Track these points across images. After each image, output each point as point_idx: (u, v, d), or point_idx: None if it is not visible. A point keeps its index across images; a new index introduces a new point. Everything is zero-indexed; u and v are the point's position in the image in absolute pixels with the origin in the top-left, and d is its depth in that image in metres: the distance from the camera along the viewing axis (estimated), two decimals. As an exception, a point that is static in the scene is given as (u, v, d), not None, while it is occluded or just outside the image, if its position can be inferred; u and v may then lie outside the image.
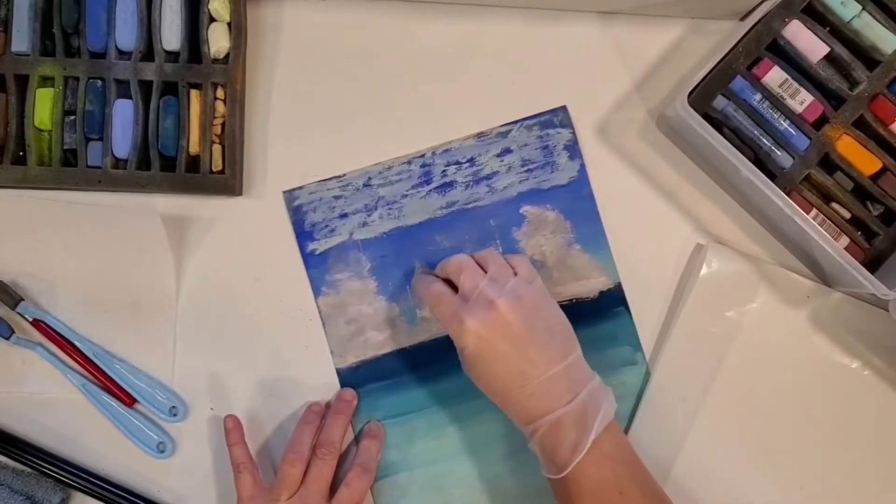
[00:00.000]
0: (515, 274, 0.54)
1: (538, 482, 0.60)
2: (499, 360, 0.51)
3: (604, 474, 0.50)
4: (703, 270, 0.60)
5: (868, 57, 0.57)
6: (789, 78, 0.57)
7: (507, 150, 0.62)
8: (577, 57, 0.62)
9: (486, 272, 0.54)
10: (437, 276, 0.57)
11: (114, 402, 0.60)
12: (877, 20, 0.57)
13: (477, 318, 0.51)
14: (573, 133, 0.61)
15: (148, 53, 0.60)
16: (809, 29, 0.57)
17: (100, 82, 0.60)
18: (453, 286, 0.55)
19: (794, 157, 0.57)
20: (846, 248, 0.56)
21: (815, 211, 0.57)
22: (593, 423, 0.50)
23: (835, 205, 0.58)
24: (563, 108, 0.61)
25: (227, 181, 0.60)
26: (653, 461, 0.58)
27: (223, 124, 0.60)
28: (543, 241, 0.61)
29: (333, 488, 0.57)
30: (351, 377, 0.61)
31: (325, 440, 0.57)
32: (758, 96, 0.57)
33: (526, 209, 0.61)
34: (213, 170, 0.60)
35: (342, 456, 0.60)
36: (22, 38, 0.60)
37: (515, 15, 0.62)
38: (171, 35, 0.60)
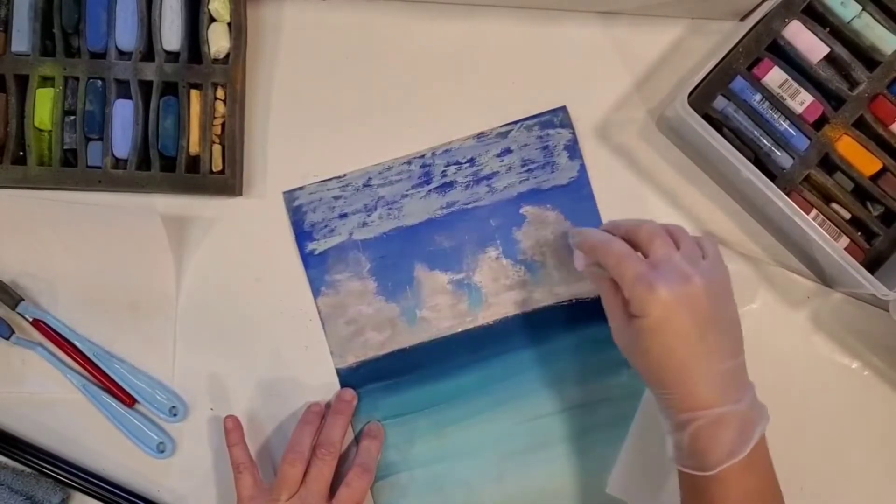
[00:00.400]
0: (703, 257, 0.51)
1: (538, 482, 0.60)
2: (679, 337, 0.47)
3: (751, 485, 0.48)
4: (703, 271, 0.59)
5: (868, 57, 0.57)
6: (789, 78, 0.57)
7: (508, 151, 0.62)
8: (577, 57, 0.62)
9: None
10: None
11: (114, 402, 0.60)
12: (877, 21, 0.57)
13: (670, 287, 0.47)
14: (573, 133, 0.61)
15: (148, 53, 0.60)
16: (809, 29, 0.57)
17: (100, 82, 0.60)
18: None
19: (794, 158, 0.57)
20: (846, 249, 0.56)
21: (815, 211, 0.57)
22: (754, 429, 0.47)
23: (835, 205, 0.58)
24: (564, 109, 0.61)
25: (227, 181, 0.60)
26: (653, 462, 0.58)
27: (223, 124, 0.60)
28: (544, 241, 0.61)
29: (333, 488, 0.57)
30: (351, 377, 0.61)
31: (325, 440, 0.57)
32: (758, 97, 0.57)
33: (526, 209, 0.61)
34: (213, 170, 0.60)
35: (342, 456, 0.60)
36: (22, 38, 0.60)
37: (516, 15, 0.62)
38: (171, 35, 0.60)
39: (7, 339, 0.60)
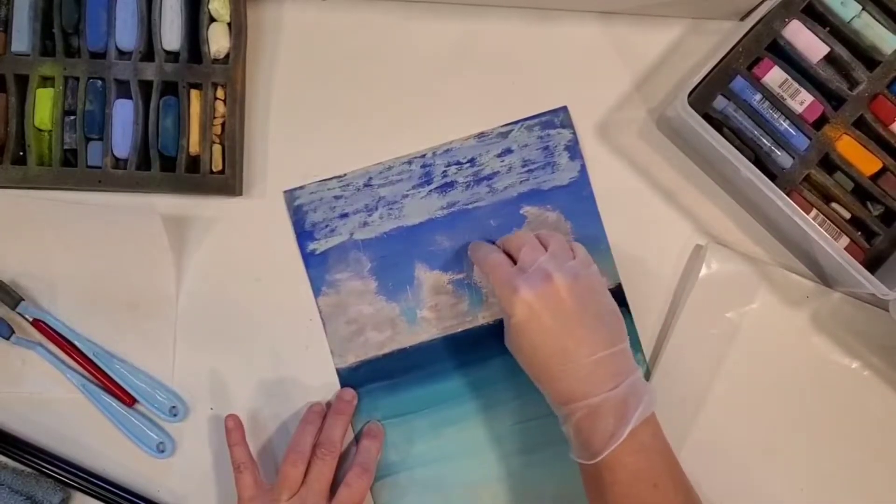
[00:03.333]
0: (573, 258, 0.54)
1: (538, 482, 0.60)
2: (544, 333, 0.50)
3: (639, 465, 0.49)
4: (703, 271, 0.60)
5: (868, 57, 0.57)
6: (789, 78, 0.57)
7: (508, 151, 0.62)
8: (577, 57, 0.62)
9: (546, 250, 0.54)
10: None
11: (114, 402, 0.60)
12: (877, 20, 0.57)
13: (531, 287, 0.51)
14: (574, 133, 0.61)
15: (148, 53, 0.60)
16: (809, 29, 0.57)
17: (100, 82, 0.60)
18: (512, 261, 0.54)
19: (794, 158, 0.57)
20: (846, 248, 0.56)
21: (815, 211, 0.57)
22: (633, 413, 0.49)
23: (835, 205, 0.58)
24: (564, 109, 0.61)
25: (227, 181, 0.60)
26: (653, 461, 0.58)
27: (223, 124, 0.60)
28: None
29: (333, 488, 0.57)
30: (351, 377, 0.61)
31: (326, 440, 0.57)
32: (758, 96, 0.57)
33: (526, 209, 0.61)
34: (213, 170, 0.60)
35: (342, 456, 0.60)
36: (22, 38, 0.60)
37: (516, 15, 0.62)
38: (171, 35, 0.59)
39: (7, 339, 0.60)
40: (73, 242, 0.61)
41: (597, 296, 0.53)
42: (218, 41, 0.59)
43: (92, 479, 0.60)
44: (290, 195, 0.62)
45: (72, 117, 0.60)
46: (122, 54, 0.60)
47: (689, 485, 0.52)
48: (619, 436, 0.48)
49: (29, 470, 0.60)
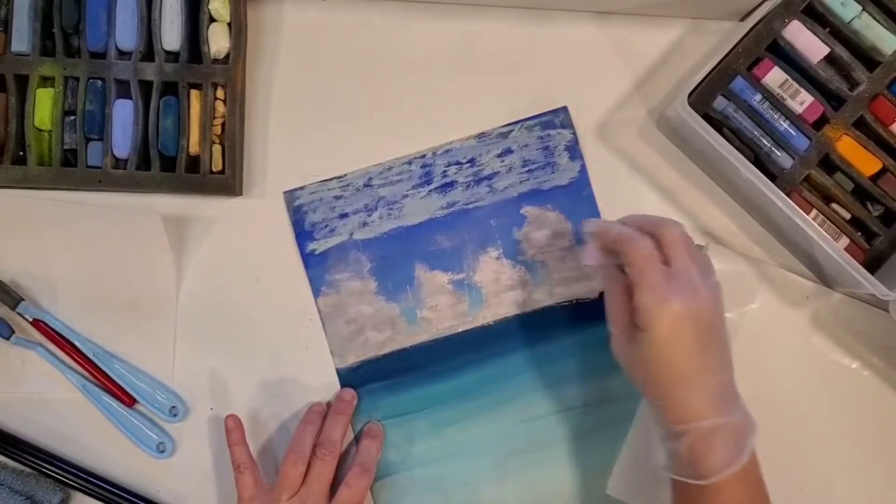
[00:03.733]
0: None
1: (538, 483, 0.60)
2: (683, 350, 0.48)
3: (743, 495, 0.48)
4: (703, 271, 0.59)
5: (868, 57, 0.57)
6: (789, 78, 0.57)
7: (508, 151, 0.62)
8: (577, 57, 0.62)
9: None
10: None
11: (114, 402, 0.60)
12: (877, 21, 0.57)
13: (684, 301, 0.47)
14: (574, 133, 0.61)
15: (148, 53, 0.60)
16: (809, 29, 0.57)
17: (100, 82, 0.60)
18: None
19: (794, 158, 0.57)
20: (846, 249, 0.56)
21: (815, 211, 0.57)
22: (747, 440, 0.48)
23: (835, 205, 0.58)
24: (564, 109, 0.61)
25: (227, 181, 0.60)
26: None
27: (223, 124, 0.60)
28: (544, 241, 0.61)
29: (333, 488, 0.57)
30: (351, 377, 0.61)
31: (326, 440, 0.57)
32: (758, 97, 0.57)
33: (526, 209, 0.61)
34: (213, 170, 0.60)
35: (342, 456, 0.60)
36: (22, 38, 0.60)
37: (516, 15, 0.62)
38: (171, 35, 0.59)
39: (7, 339, 0.60)
40: (73, 242, 0.61)
41: (723, 316, 0.51)
42: (218, 41, 0.59)
43: (92, 479, 0.60)
44: (289, 195, 0.62)
45: (72, 117, 0.60)
46: (122, 54, 0.60)
47: None
48: (736, 462, 0.47)
49: (29, 470, 0.60)
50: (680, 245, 0.50)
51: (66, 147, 0.60)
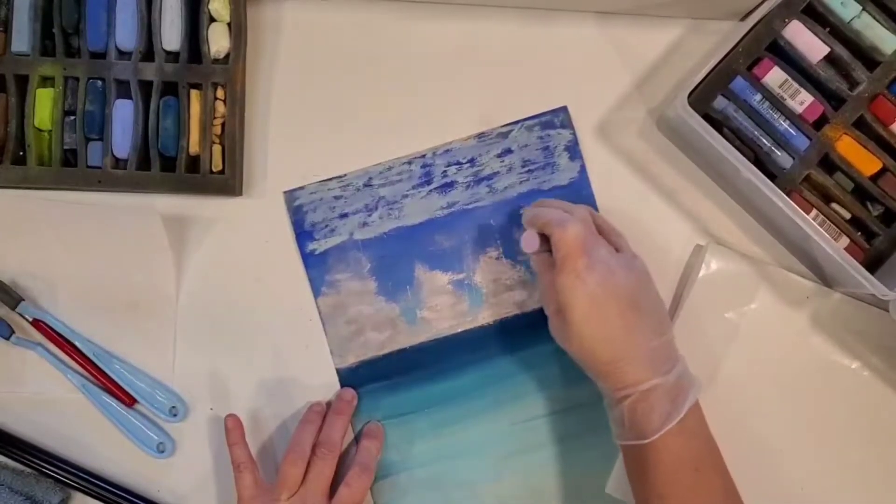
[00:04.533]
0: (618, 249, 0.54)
1: (538, 482, 0.60)
2: (607, 324, 0.51)
3: (683, 449, 0.50)
4: (702, 271, 0.60)
5: (868, 57, 0.57)
6: (789, 78, 0.57)
7: (508, 151, 0.62)
8: (577, 57, 0.62)
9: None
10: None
11: (114, 402, 0.60)
12: (877, 21, 0.57)
13: (597, 280, 0.50)
14: (574, 134, 0.61)
15: (148, 53, 0.60)
16: (809, 29, 0.57)
17: (100, 82, 0.60)
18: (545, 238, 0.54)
19: (794, 158, 0.57)
20: (846, 249, 0.56)
21: (815, 211, 0.57)
22: (685, 396, 0.50)
23: (835, 205, 0.58)
24: (564, 109, 0.61)
25: (227, 181, 0.60)
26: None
27: (223, 124, 0.60)
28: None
29: (333, 488, 0.57)
30: (351, 377, 0.61)
31: (326, 440, 0.57)
32: (758, 96, 0.57)
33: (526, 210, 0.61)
34: (213, 170, 0.60)
35: (342, 456, 0.60)
36: (22, 38, 0.60)
37: (515, 15, 0.62)
38: (171, 35, 0.59)
39: (7, 339, 0.60)
40: (73, 242, 0.61)
41: (648, 285, 0.54)
42: (218, 41, 0.59)
43: (92, 479, 0.60)
44: (289, 195, 0.62)
45: (72, 117, 0.60)
46: (122, 54, 0.60)
47: (728, 472, 0.53)
48: (675, 417, 0.49)
49: (29, 470, 0.60)
50: (583, 227, 0.52)
51: (66, 147, 0.60)
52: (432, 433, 0.61)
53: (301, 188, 0.62)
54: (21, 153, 0.60)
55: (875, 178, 0.57)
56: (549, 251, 0.53)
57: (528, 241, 0.54)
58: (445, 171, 0.62)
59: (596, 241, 0.52)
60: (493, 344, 0.61)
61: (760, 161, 0.57)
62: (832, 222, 0.57)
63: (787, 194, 0.56)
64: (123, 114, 0.60)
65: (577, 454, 0.60)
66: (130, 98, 0.60)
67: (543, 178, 0.61)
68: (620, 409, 0.51)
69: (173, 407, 0.61)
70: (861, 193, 0.58)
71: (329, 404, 0.61)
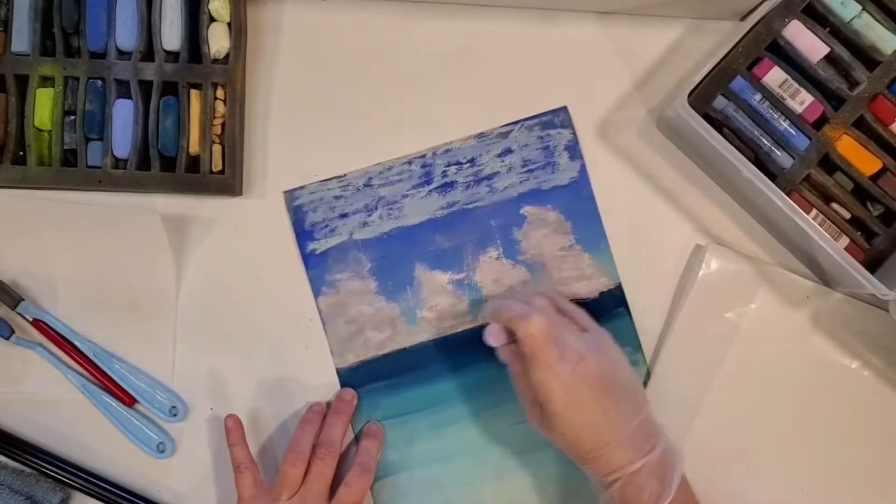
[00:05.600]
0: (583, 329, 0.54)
1: (538, 482, 0.60)
2: (585, 413, 0.50)
3: None
4: (702, 271, 0.60)
5: (868, 57, 0.57)
6: (789, 78, 0.57)
7: (508, 151, 0.62)
8: (577, 57, 0.62)
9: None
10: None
11: (114, 402, 0.60)
12: (877, 20, 0.57)
13: (571, 371, 0.50)
14: (574, 133, 0.61)
15: (148, 53, 0.60)
16: (809, 29, 0.57)
17: (100, 82, 0.60)
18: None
19: (794, 158, 0.57)
20: (846, 249, 0.56)
21: (815, 211, 0.57)
22: (672, 471, 0.50)
23: (835, 205, 0.58)
24: (564, 109, 0.61)
25: (227, 181, 0.60)
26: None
27: (223, 124, 0.60)
28: (544, 241, 0.61)
29: (333, 488, 0.57)
30: (351, 377, 0.61)
31: (325, 440, 0.57)
32: (758, 96, 0.57)
33: (526, 209, 0.61)
34: (213, 170, 0.60)
35: (342, 456, 0.60)
36: (22, 38, 0.60)
37: (516, 15, 0.62)
38: (171, 35, 0.59)
39: (7, 339, 0.60)
40: (73, 242, 0.61)
41: (619, 362, 0.53)
42: (218, 41, 0.59)
43: (92, 479, 0.60)
44: (289, 195, 0.62)
45: (72, 117, 0.60)
46: (122, 54, 0.60)
47: None
48: (666, 496, 0.49)
49: (29, 470, 0.60)
50: (549, 315, 0.52)
51: (66, 147, 0.60)
52: (432, 433, 0.61)
53: (301, 188, 0.62)
54: (21, 153, 0.60)
55: (875, 177, 0.57)
56: (515, 341, 0.53)
57: (494, 336, 0.54)
58: (445, 171, 0.62)
59: (561, 329, 0.52)
60: (493, 344, 0.61)
61: (760, 161, 0.57)
62: (832, 222, 0.57)
63: (787, 194, 0.56)
64: (123, 114, 0.60)
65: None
66: (130, 98, 0.60)
67: (544, 178, 0.61)
68: (610, 493, 0.51)
69: (173, 407, 0.61)
70: (861, 193, 0.58)
71: (329, 404, 0.61)
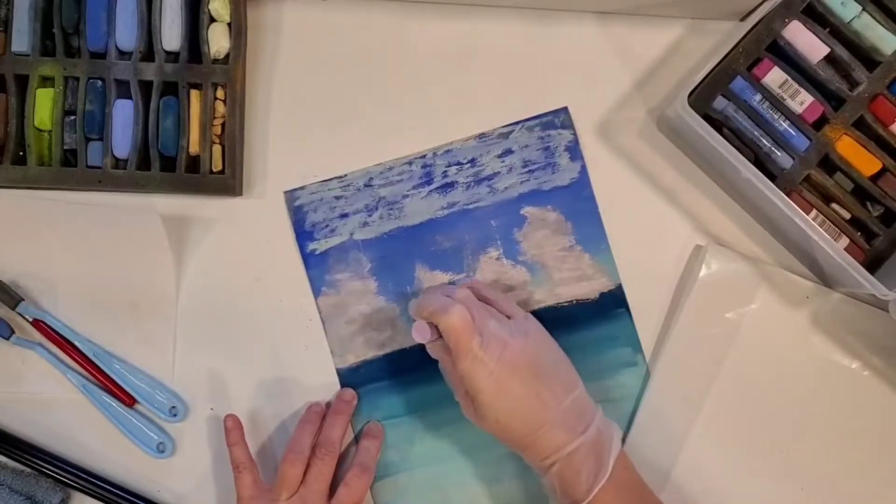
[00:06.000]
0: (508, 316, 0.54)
1: (538, 483, 0.60)
2: (515, 400, 0.50)
3: (621, 499, 0.50)
4: (703, 272, 0.60)
5: (868, 58, 0.57)
6: (789, 78, 0.57)
7: (509, 151, 0.62)
8: (577, 57, 0.62)
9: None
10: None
11: (114, 402, 0.60)
12: (877, 21, 0.57)
13: (495, 358, 0.50)
14: (574, 134, 0.61)
15: (148, 53, 0.60)
16: (809, 29, 0.57)
17: (100, 82, 0.60)
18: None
19: (794, 158, 0.57)
20: (846, 249, 0.56)
21: (815, 211, 0.57)
22: (609, 448, 0.50)
23: (835, 205, 0.58)
24: (565, 109, 0.61)
25: (227, 181, 0.60)
26: (653, 462, 0.58)
27: (223, 124, 0.60)
28: (544, 241, 0.61)
29: (333, 488, 0.57)
30: (351, 377, 0.61)
31: (325, 440, 0.57)
32: (758, 97, 0.57)
33: (527, 210, 0.61)
34: (213, 170, 0.60)
35: (342, 456, 0.60)
36: (22, 38, 0.60)
37: (516, 15, 0.62)
38: (171, 35, 0.59)
39: (7, 339, 0.60)
40: (73, 242, 0.61)
41: (547, 344, 0.53)
42: (218, 41, 0.59)
43: (92, 479, 0.60)
44: (290, 195, 0.62)
45: (72, 117, 0.60)
46: (122, 54, 0.60)
47: None
48: (603, 474, 0.49)
49: (29, 470, 0.60)
50: (474, 310, 0.52)
51: (66, 147, 0.60)
52: (432, 433, 0.61)
53: (301, 188, 0.62)
54: (21, 153, 0.60)
55: (875, 178, 0.57)
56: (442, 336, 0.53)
57: (420, 332, 0.53)
58: (446, 172, 0.62)
59: (484, 316, 0.52)
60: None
61: (760, 161, 0.57)
62: (832, 222, 0.57)
63: (787, 194, 0.56)
64: (123, 114, 0.60)
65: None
66: (130, 98, 0.60)
67: (544, 179, 0.61)
68: (549, 477, 0.51)
69: (173, 407, 0.61)
70: (861, 193, 0.58)
71: (329, 404, 0.61)
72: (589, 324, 0.60)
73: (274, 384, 0.61)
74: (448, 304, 0.51)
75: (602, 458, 0.50)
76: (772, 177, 0.56)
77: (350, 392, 0.60)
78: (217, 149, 0.60)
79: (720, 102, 0.57)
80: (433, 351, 0.55)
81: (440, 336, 0.52)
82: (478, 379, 0.50)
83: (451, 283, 0.61)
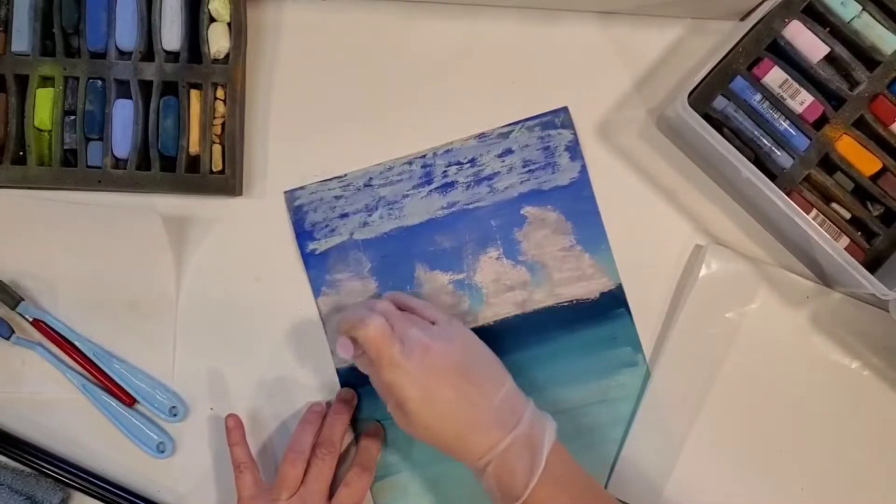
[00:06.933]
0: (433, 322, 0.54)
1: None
2: (445, 404, 0.50)
3: (558, 497, 0.49)
4: (703, 271, 0.60)
5: (868, 57, 0.57)
6: (789, 78, 0.57)
7: (509, 151, 0.62)
8: (577, 57, 0.62)
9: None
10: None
11: (114, 402, 0.60)
12: (877, 20, 0.57)
13: (418, 365, 0.50)
14: (574, 134, 0.61)
15: (148, 53, 0.60)
16: (809, 29, 0.57)
17: (100, 82, 0.60)
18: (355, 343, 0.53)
19: (794, 158, 0.57)
20: (846, 249, 0.56)
21: (815, 211, 0.57)
22: (542, 441, 0.50)
23: (835, 205, 0.58)
24: (565, 109, 0.61)
25: (227, 181, 0.60)
26: (653, 462, 0.58)
27: (223, 124, 0.60)
28: (544, 241, 0.61)
29: (333, 488, 0.57)
30: (351, 377, 0.61)
31: (325, 440, 0.57)
32: (758, 96, 0.57)
33: (527, 210, 0.61)
34: (213, 170, 0.60)
35: (342, 456, 0.60)
36: (22, 38, 0.60)
37: (516, 15, 0.62)
38: (171, 35, 0.59)
39: (7, 339, 0.60)
40: (73, 242, 0.61)
41: (471, 345, 0.53)
42: (218, 41, 0.59)
43: (92, 479, 0.60)
44: (290, 195, 0.62)
45: (72, 117, 0.60)
46: (122, 54, 0.60)
47: (611, 498, 0.52)
48: (539, 465, 0.49)
49: (29, 470, 0.60)
50: (394, 321, 0.52)
51: (66, 147, 0.60)
52: (432, 433, 0.61)
53: (301, 188, 0.62)
54: (21, 153, 0.60)
55: (875, 177, 0.57)
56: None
57: (343, 348, 0.54)
58: (446, 171, 0.62)
59: (405, 324, 0.52)
60: (492, 344, 0.60)
61: (760, 161, 0.57)
62: (832, 222, 0.57)
63: (787, 194, 0.56)
64: (123, 114, 0.60)
65: (576, 454, 0.60)
66: (130, 98, 0.60)
67: (544, 179, 0.61)
68: (487, 479, 0.50)
69: (173, 407, 0.61)
70: (861, 193, 0.58)
71: (329, 404, 0.61)
72: (589, 324, 0.60)
73: (274, 384, 0.61)
74: (365, 316, 0.51)
75: (536, 451, 0.49)
76: (772, 176, 0.56)
77: (350, 392, 0.60)
78: (217, 149, 0.60)
79: (720, 102, 0.57)
80: (361, 366, 0.55)
81: (364, 350, 0.52)
82: (403, 387, 0.50)
83: (454, 282, 0.61)
